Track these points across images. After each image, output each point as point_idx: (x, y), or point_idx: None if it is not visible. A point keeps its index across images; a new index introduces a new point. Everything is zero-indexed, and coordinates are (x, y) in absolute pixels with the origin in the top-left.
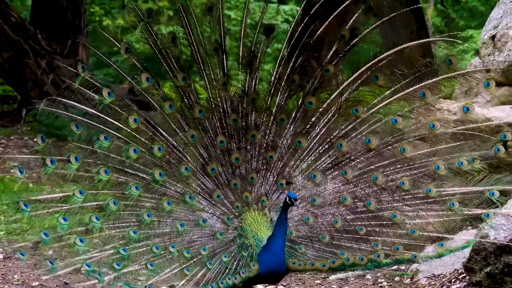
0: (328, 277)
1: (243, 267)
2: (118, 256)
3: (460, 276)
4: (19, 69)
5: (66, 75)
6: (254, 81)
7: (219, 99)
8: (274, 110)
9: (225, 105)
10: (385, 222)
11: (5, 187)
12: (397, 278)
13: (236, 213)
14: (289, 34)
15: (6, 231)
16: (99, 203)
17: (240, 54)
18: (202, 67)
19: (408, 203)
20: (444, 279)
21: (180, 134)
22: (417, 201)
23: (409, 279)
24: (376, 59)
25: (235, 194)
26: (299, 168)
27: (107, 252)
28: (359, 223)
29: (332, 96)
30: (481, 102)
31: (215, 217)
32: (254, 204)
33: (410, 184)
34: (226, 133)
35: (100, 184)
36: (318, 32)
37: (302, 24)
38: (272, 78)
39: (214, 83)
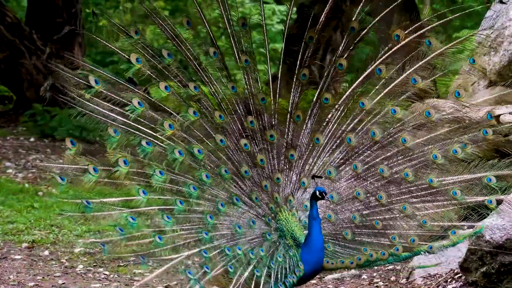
0: (323, 277)
1: (296, 267)
2: (204, 259)
3: (456, 276)
4: (14, 69)
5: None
6: (256, 80)
7: (228, 102)
8: (289, 107)
9: (237, 108)
10: (397, 215)
11: (1, 187)
12: (392, 278)
13: (272, 215)
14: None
15: (2, 231)
16: (164, 206)
17: (236, 55)
18: (205, 74)
19: (414, 194)
20: (440, 279)
21: (208, 139)
22: (422, 192)
23: (404, 279)
24: (388, 53)
25: (268, 196)
26: (316, 165)
27: (187, 253)
28: (375, 217)
29: (348, 92)
30: (477, 101)
31: (259, 218)
32: (284, 205)
33: (413, 175)
34: (248, 136)
35: (156, 185)
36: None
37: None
38: (279, 74)
39: (223, 88)
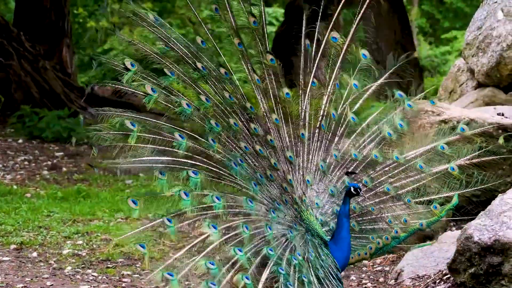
0: None
1: (335, 264)
2: (281, 277)
3: (445, 277)
4: (2, 71)
5: (51, 78)
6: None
7: (230, 111)
8: (263, 111)
9: (237, 117)
10: (384, 197)
11: None
12: (381, 279)
13: (299, 215)
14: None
15: None
16: (236, 232)
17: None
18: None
19: (390, 174)
20: (428, 280)
21: (229, 149)
22: (395, 171)
23: (393, 280)
24: None
25: (290, 197)
26: (310, 161)
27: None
28: (368, 203)
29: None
30: (466, 102)
31: (296, 220)
32: (301, 205)
33: (381, 156)
34: (257, 141)
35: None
36: None
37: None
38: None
39: (218, 99)
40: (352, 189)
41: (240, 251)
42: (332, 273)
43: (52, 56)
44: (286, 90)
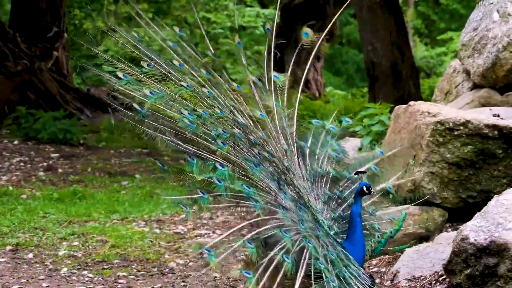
0: None
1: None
2: (323, 270)
3: (440, 278)
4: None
5: (47, 79)
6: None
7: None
8: (250, 128)
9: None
10: None
11: None
12: (377, 280)
13: (316, 218)
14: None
15: None
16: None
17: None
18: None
19: (350, 189)
20: (424, 281)
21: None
22: (352, 186)
23: (389, 281)
24: None
25: (303, 200)
26: (298, 171)
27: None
28: (348, 212)
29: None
30: (461, 104)
31: (315, 221)
32: (312, 210)
33: (337, 173)
34: (262, 150)
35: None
36: None
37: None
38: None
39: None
40: (364, 188)
41: (286, 232)
42: (362, 272)
43: (48, 57)
44: (258, 112)
